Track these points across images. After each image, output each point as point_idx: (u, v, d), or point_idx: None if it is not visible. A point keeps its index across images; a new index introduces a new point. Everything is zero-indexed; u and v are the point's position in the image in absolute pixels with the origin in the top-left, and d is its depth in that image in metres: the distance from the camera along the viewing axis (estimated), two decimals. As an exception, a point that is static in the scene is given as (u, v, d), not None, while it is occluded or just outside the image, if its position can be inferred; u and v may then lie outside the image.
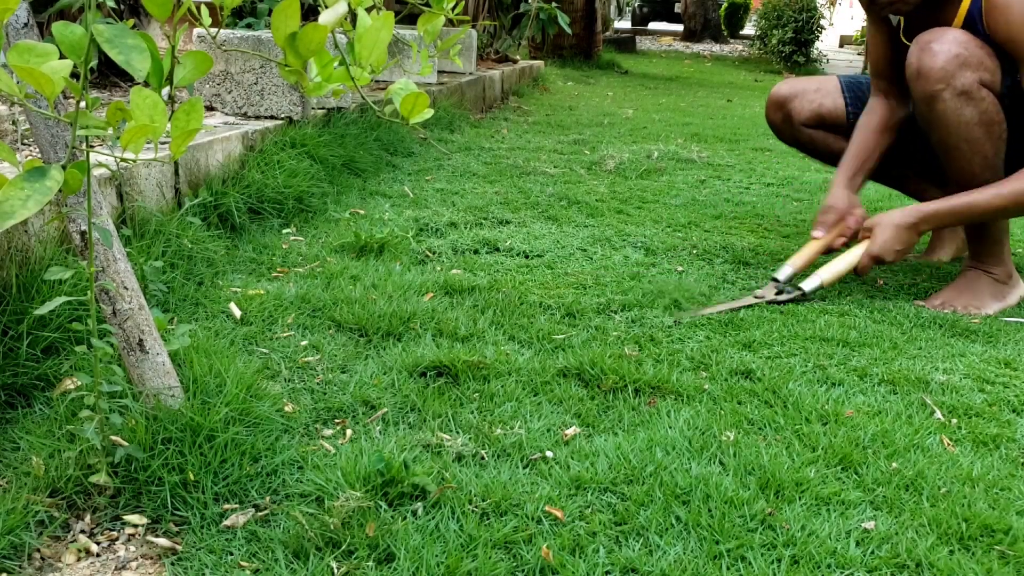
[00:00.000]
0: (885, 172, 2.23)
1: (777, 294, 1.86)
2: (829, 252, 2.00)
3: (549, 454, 1.18)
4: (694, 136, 4.27)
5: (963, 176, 1.84)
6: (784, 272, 1.91)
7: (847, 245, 1.99)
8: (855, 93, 2.19)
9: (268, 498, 1.07)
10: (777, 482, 1.12)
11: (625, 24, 19.63)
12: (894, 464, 1.19)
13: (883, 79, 2.09)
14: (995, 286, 1.94)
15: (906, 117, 2.07)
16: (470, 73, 4.79)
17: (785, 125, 2.24)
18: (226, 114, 2.63)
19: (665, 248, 2.25)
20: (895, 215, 1.88)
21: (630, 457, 1.16)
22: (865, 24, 2.21)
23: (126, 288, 1.10)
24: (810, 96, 2.20)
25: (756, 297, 1.85)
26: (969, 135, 1.79)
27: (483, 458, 1.17)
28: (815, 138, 2.22)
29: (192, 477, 1.06)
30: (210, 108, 2.63)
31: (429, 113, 1.01)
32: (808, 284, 1.88)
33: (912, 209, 1.87)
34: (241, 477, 1.08)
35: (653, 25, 20.26)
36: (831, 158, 2.24)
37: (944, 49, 1.76)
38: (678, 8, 18.37)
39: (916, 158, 2.15)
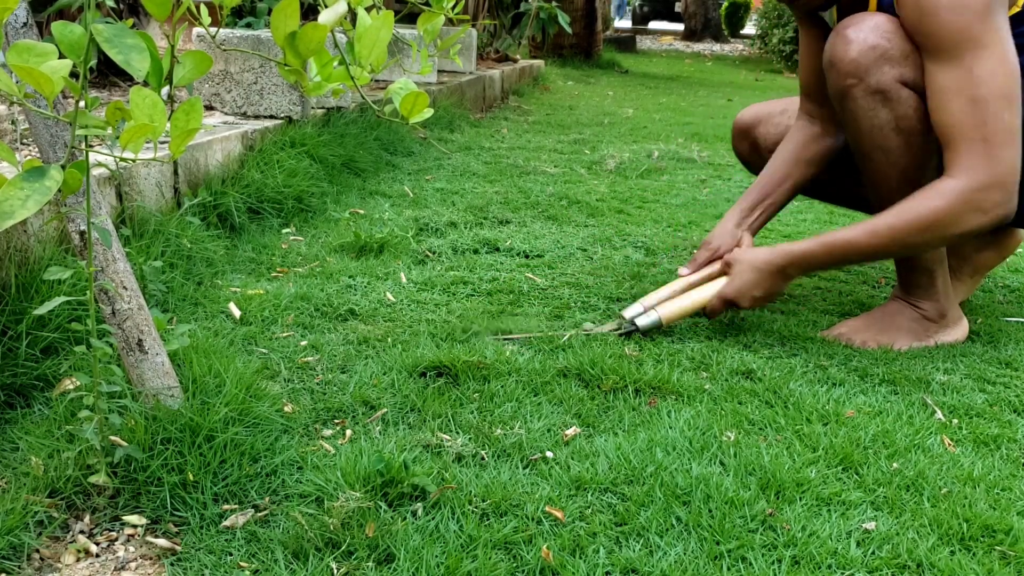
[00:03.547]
0: (839, 191, 1.96)
1: (614, 329, 1.62)
2: None
3: (549, 454, 1.18)
4: (695, 135, 4.26)
5: (880, 191, 1.57)
6: (632, 310, 1.66)
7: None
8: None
9: (268, 498, 1.07)
10: (778, 482, 1.12)
11: (625, 23, 19.64)
12: (895, 464, 1.19)
13: (811, 99, 1.80)
14: (918, 323, 1.66)
15: (833, 148, 1.80)
16: (470, 72, 4.78)
17: (753, 155, 2.00)
18: (225, 113, 2.62)
19: (665, 248, 2.25)
20: (759, 255, 1.59)
21: (630, 457, 1.16)
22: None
23: (125, 288, 1.10)
24: (776, 119, 1.95)
25: (584, 331, 1.61)
26: (884, 142, 1.52)
27: (483, 458, 1.17)
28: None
29: (191, 477, 1.05)
30: (209, 107, 2.63)
31: (429, 113, 1.00)
32: (644, 319, 1.61)
33: (780, 250, 1.58)
34: (241, 477, 1.08)
35: (653, 24, 20.26)
36: (807, 187, 1.96)
37: (860, 38, 1.48)
38: (678, 7, 18.38)
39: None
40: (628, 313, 1.65)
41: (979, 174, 1.42)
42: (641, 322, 1.60)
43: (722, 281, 1.62)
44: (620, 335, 1.60)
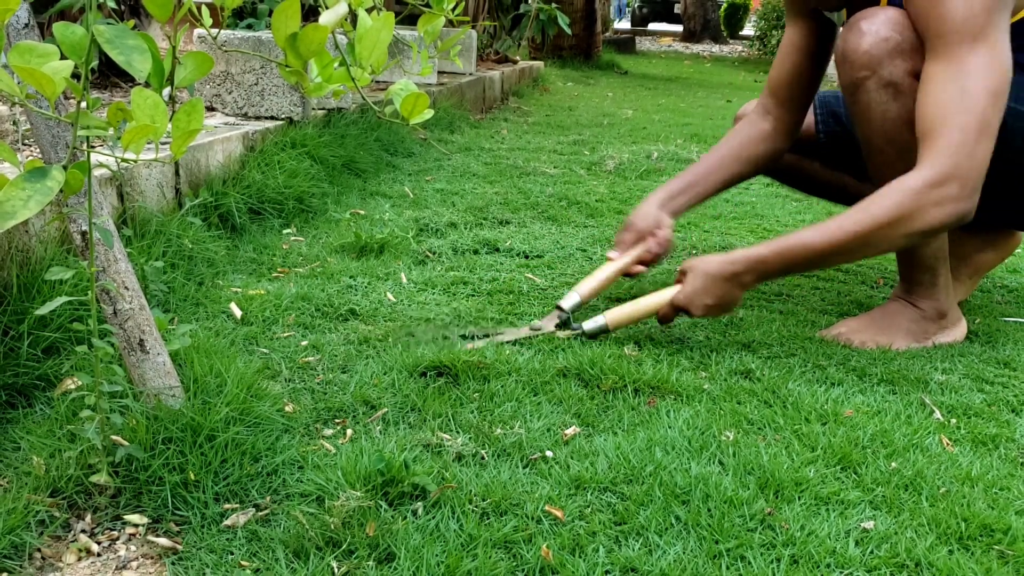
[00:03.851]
0: (817, 183, 1.96)
1: (559, 325, 1.60)
2: (627, 276, 1.77)
3: (549, 454, 1.18)
4: (694, 136, 4.27)
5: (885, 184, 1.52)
6: (569, 300, 1.63)
7: (647, 269, 1.75)
8: (827, 109, 1.92)
9: (268, 498, 1.07)
10: (776, 482, 1.12)
11: (625, 25, 19.64)
12: (893, 464, 1.19)
13: (774, 97, 1.77)
14: (918, 323, 1.65)
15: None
16: (470, 74, 4.79)
17: None
18: (226, 114, 2.63)
19: (665, 248, 2.25)
20: (712, 262, 1.53)
21: (630, 457, 1.16)
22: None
23: (127, 288, 1.10)
24: (798, 130, 1.89)
25: (533, 329, 1.58)
26: (894, 136, 1.50)
27: (483, 458, 1.17)
28: (787, 162, 1.95)
29: (193, 477, 1.06)
30: (210, 108, 2.64)
31: (429, 114, 1.01)
32: (590, 324, 1.58)
33: (734, 256, 1.52)
34: (242, 477, 1.08)
35: (653, 26, 20.28)
36: (807, 184, 2.01)
37: (873, 30, 1.47)
38: (678, 9, 18.40)
39: (855, 162, 1.85)
40: (566, 304, 1.63)
41: (941, 166, 1.38)
42: (587, 327, 1.58)
43: (674, 288, 1.58)
44: (566, 337, 1.58)
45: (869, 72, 1.48)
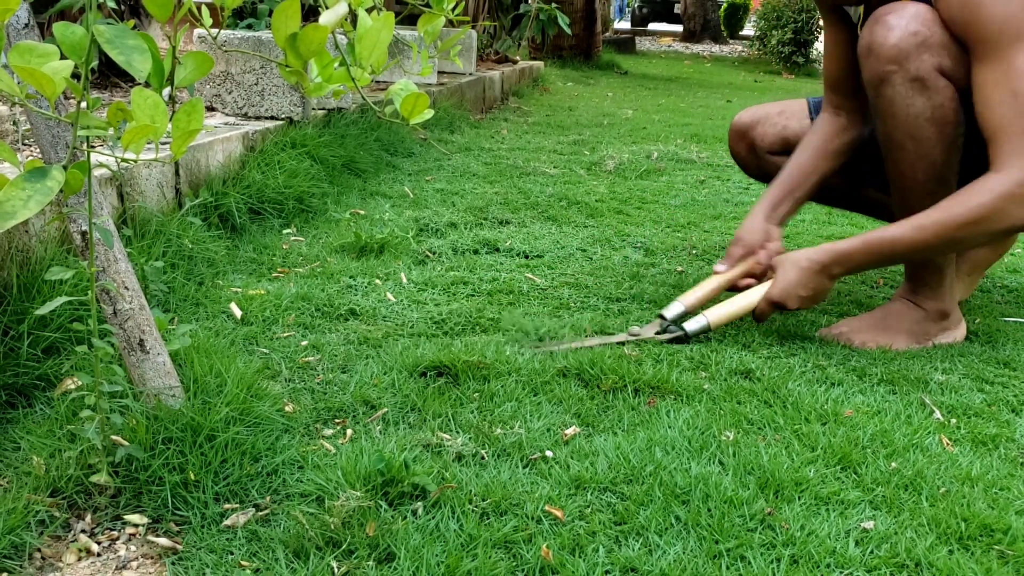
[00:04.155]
0: (840, 194, 1.98)
1: (659, 333, 1.61)
2: (733, 290, 1.74)
3: (549, 454, 1.18)
4: (694, 136, 4.27)
5: (904, 182, 1.58)
6: (672, 309, 1.65)
7: (759, 283, 1.72)
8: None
9: (268, 498, 1.07)
10: (776, 482, 1.12)
11: (625, 25, 19.65)
12: (893, 464, 1.19)
13: (837, 92, 1.81)
14: (920, 324, 1.67)
15: (859, 138, 1.81)
16: (470, 74, 4.79)
17: (750, 156, 1.99)
18: (227, 114, 2.63)
19: (664, 248, 2.25)
20: (802, 255, 1.59)
21: (630, 457, 1.16)
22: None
23: (127, 288, 1.10)
24: (774, 120, 1.95)
25: (631, 335, 1.59)
26: (917, 132, 1.51)
27: (483, 458, 1.17)
28: (782, 166, 1.91)
29: (193, 477, 1.06)
30: (211, 108, 2.64)
31: (429, 114, 1.01)
32: (692, 324, 1.60)
33: (823, 248, 1.58)
34: (242, 477, 1.08)
35: (653, 26, 20.28)
36: (821, 193, 1.95)
37: (901, 24, 1.48)
38: (678, 9, 18.40)
39: (877, 175, 1.84)
40: (669, 313, 1.64)
41: (1019, 168, 1.43)
42: (690, 327, 1.59)
43: (767, 285, 1.61)
44: (668, 342, 1.59)
45: (896, 66, 1.49)
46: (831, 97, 1.82)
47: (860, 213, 2.10)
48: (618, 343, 1.56)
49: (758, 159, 1.98)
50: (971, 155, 1.54)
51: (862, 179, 1.96)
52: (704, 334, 1.61)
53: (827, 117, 1.83)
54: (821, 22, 9.37)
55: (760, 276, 1.74)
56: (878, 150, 1.65)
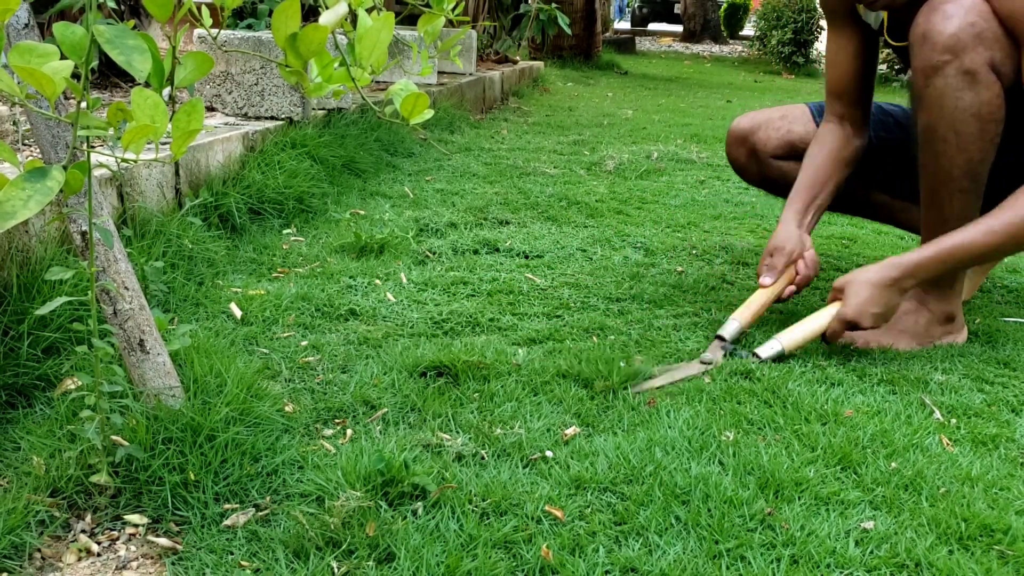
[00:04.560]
0: (852, 200, 1.97)
1: (727, 356, 1.55)
2: (778, 301, 1.75)
3: (549, 454, 1.18)
4: (694, 137, 4.27)
5: (939, 175, 1.55)
6: (730, 329, 1.62)
7: (798, 293, 1.74)
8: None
9: (268, 498, 1.07)
10: (776, 482, 1.12)
11: (625, 25, 19.65)
12: (893, 464, 1.19)
13: (841, 100, 1.79)
14: (924, 325, 1.67)
15: (864, 148, 1.80)
16: (470, 74, 4.79)
17: (751, 160, 1.96)
18: (227, 115, 2.63)
19: (664, 248, 2.25)
20: (871, 271, 1.55)
21: (630, 457, 1.16)
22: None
23: (127, 288, 1.10)
24: (776, 124, 1.92)
25: (703, 363, 1.52)
26: (962, 126, 1.49)
27: (483, 458, 1.17)
28: (787, 171, 1.91)
29: (193, 477, 1.06)
30: (211, 108, 2.64)
31: (429, 114, 1.01)
32: (765, 351, 1.54)
33: (891, 263, 1.54)
34: (242, 477, 1.08)
35: (653, 26, 20.28)
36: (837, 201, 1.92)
37: (960, 14, 1.45)
38: (678, 9, 18.40)
39: (888, 179, 1.89)
40: (726, 333, 1.60)
41: None
42: (764, 354, 1.54)
43: (836, 306, 1.57)
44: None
45: (951, 56, 1.45)
46: (834, 106, 1.80)
47: (864, 217, 2.10)
48: (694, 375, 1.47)
49: (760, 164, 1.95)
50: (1000, 156, 1.54)
51: (870, 183, 1.95)
52: (780, 358, 1.55)
53: (832, 127, 1.81)
54: (823, 23, 9.38)
55: (801, 285, 1.72)
56: (886, 155, 1.64)
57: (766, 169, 1.95)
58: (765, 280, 1.71)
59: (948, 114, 1.49)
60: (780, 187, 1.95)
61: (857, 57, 1.75)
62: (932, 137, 1.53)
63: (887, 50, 1.60)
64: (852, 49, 1.75)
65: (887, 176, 1.93)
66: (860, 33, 1.75)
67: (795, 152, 1.89)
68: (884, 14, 1.72)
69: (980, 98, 1.47)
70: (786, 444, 1.23)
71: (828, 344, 1.60)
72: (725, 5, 15.95)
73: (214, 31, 1.09)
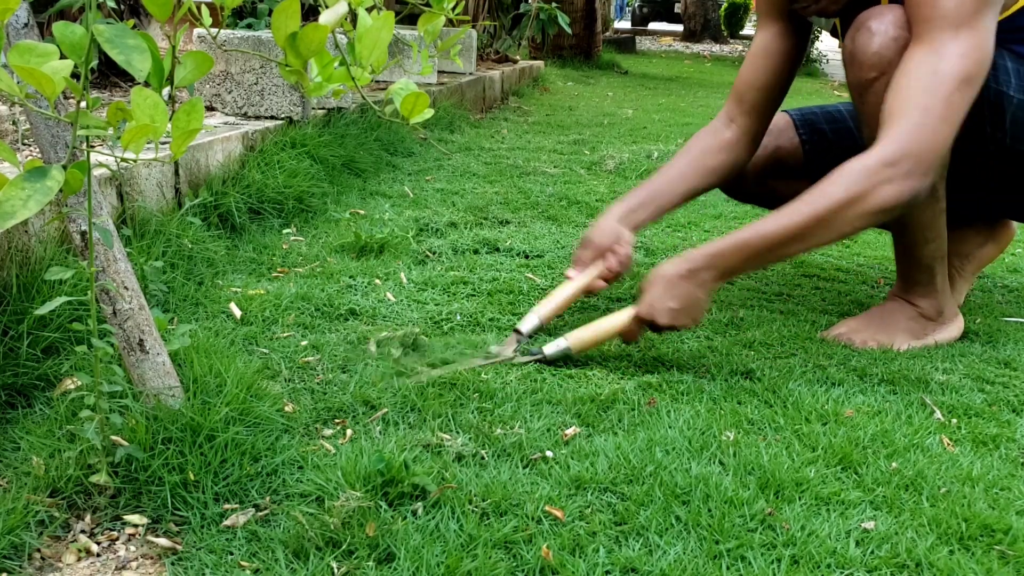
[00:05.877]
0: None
1: (517, 351, 1.49)
2: (589, 295, 1.69)
3: (549, 454, 1.18)
4: (694, 136, 4.26)
5: None
6: (528, 323, 1.55)
7: (608, 286, 1.67)
8: (810, 127, 1.86)
9: (268, 498, 1.07)
10: (777, 482, 1.12)
11: (625, 24, 19.65)
12: (894, 464, 1.19)
13: (741, 103, 1.71)
14: (916, 321, 1.66)
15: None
16: (470, 73, 4.79)
17: (737, 180, 1.85)
18: (226, 114, 2.63)
19: (665, 248, 2.25)
20: (667, 265, 1.45)
21: (630, 457, 1.16)
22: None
23: (126, 288, 1.10)
24: (761, 140, 1.81)
25: (490, 355, 1.47)
26: None
27: (483, 458, 1.17)
28: (777, 189, 1.84)
29: (192, 477, 1.06)
30: (210, 108, 2.64)
31: (429, 113, 1.01)
32: (551, 347, 1.47)
33: (686, 255, 1.45)
34: (241, 477, 1.08)
35: (653, 25, 20.28)
36: (767, 201, 1.89)
37: (882, 30, 1.45)
38: (678, 8, 18.40)
39: None
40: (524, 327, 1.55)
41: (896, 145, 1.36)
42: (548, 351, 1.47)
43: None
44: (526, 363, 1.46)
45: (878, 73, 1.46)
46: (731, 107, 1.74)
47: None
48: (479, 366, 1.43)
49: (747, 182, 1.87)
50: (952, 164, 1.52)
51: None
52: (566, 358, 1.48)
53: (717, 127, 1.74)
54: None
55: (610, 279, 1.66)
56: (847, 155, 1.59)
57: (755, 188, 1.89)
58: (570, 272, 1.66)
59: None
60: (770, 205, 1.86)
61: (776, 65, 1.69)
62: None
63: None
64: (777, 52, 1.69)
65: None
66: (790, 33, 1.69)
67: (782, 167, 1.85)
68: (837, 19, 1.69)
69: None
70: (786, 444, 1.23)
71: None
72: (725, 5, 15.95)
73: (214, 30, 1.09)
